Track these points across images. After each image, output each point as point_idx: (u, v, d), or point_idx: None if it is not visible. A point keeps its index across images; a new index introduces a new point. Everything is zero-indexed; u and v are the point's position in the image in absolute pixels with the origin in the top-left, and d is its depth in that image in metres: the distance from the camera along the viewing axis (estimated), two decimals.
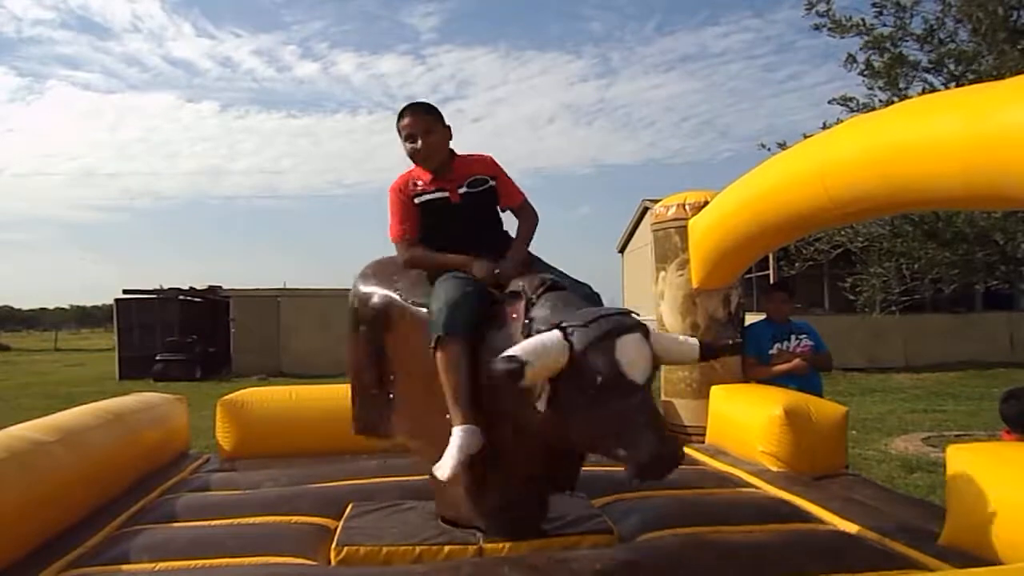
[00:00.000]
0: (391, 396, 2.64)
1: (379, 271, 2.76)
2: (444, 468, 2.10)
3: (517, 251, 2.49)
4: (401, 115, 2.53)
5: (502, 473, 2.27)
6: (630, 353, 1.88)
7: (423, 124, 2.48)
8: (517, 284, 2.23)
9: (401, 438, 2.71)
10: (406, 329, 2.51)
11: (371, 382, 2.69)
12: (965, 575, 1.82)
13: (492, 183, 2.55)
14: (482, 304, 2.25)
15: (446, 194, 2.50)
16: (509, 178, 2.61)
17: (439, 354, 2.20)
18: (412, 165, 2.57)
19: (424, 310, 2.35)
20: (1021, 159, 1.99)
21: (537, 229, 2.59)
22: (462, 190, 2.51)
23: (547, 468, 2.30)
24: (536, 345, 1.88)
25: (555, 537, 2.42)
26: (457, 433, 2.14)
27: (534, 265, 2.46)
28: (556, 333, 1.90)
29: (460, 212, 2.51)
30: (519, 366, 1.80)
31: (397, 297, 2.58)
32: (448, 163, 2.54)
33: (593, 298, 2.36)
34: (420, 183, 2.53)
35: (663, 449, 1.79)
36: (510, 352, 1.86)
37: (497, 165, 2.61)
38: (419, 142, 2.47)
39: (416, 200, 2.52)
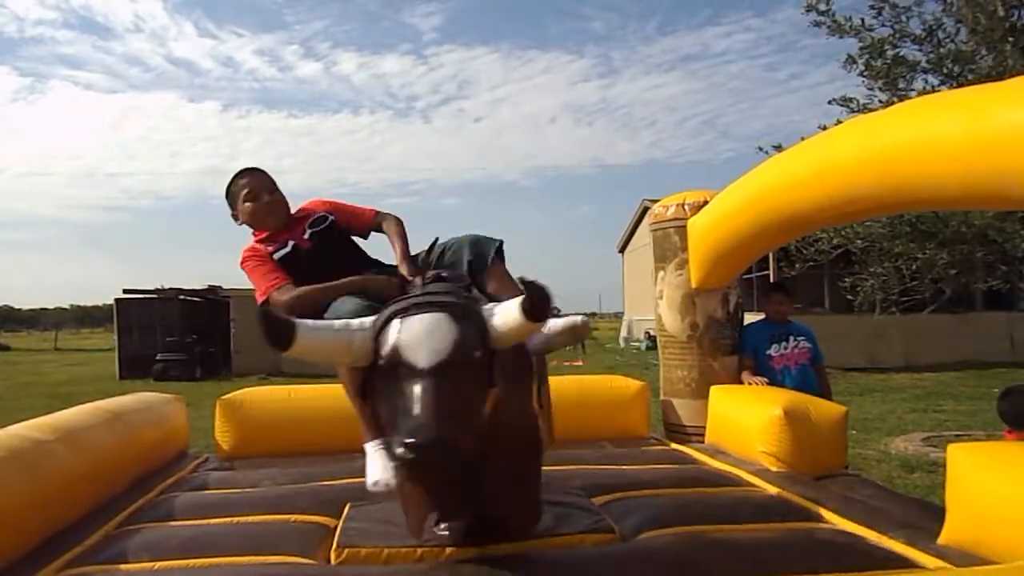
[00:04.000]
0: None
1: None
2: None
3: (401, 251, 2.51)
4: (236, 179, 2.64)
5: None
6: (410, 335, 1.72)
7: (265, 182, 2.64)
8: (415, 282, 2.10)
9: None
10: None
11: None
12: (965, 574, 1.83)
13: (332, 218, 2.64)
14: None
15: (295, 243, 2.56)
16: (349, 205, 2.72)
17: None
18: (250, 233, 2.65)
19: None
20: (1021, 160, 1.99)
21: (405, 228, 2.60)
22: (306, 235, 2.58)
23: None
24: (331, 323, 1.87)
25: (556, 536, 2.42)
26: None
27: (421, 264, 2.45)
28: (368, 319, 1.85)
29: (314, 254, 2.54)
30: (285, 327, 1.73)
31: None
32: (289, 218, 2.67)
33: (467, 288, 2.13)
34: (269, 244, 2.57)
35: (418, 437, 1.54)
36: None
37: (330, 202, 2.73)
38: (264, 198, 2.61)
39: (274, 256, 2.53)
